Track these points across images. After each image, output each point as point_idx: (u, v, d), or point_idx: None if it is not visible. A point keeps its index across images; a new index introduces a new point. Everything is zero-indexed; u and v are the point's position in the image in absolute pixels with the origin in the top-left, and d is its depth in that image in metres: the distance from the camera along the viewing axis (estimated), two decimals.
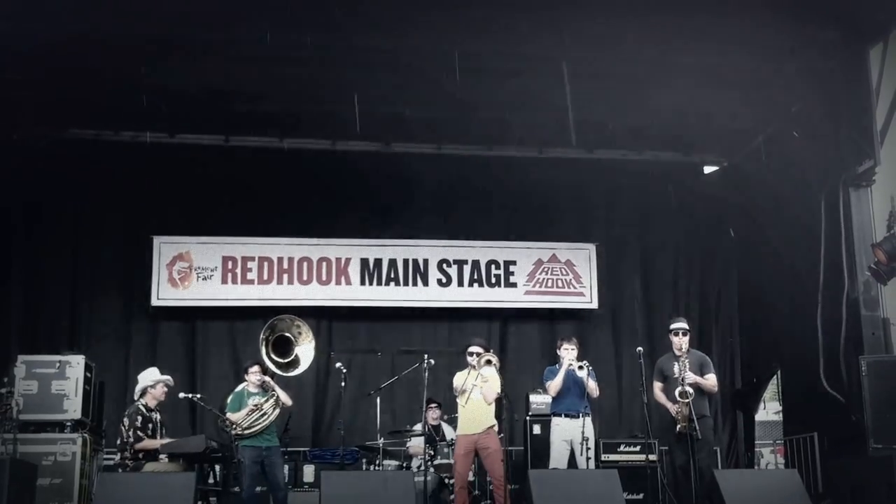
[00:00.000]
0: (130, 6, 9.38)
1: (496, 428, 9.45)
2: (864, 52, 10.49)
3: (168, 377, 9.77)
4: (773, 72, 11.01)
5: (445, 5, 9.68)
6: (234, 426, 9.58)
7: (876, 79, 10.32)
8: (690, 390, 9.11)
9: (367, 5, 9.71)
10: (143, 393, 9.56)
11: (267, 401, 9.78)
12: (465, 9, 9.71)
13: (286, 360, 10.03)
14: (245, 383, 10.00)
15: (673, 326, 9.67)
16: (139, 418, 9.30)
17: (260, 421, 9.70)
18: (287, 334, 10.07)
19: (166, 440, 9.42)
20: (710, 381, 9.49)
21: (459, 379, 9.60)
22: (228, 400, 10.00)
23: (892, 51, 10.14)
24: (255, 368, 9.92)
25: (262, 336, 10.01)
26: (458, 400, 9.63)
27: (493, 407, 9.45)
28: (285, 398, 9.90)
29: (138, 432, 9.22)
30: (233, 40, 10.08)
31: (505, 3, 9.68)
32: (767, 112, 12.19)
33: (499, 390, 9.36)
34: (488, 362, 9.41)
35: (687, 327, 9.66)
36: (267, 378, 9.87)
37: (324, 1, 9.60)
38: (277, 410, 9.85)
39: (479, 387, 9.45)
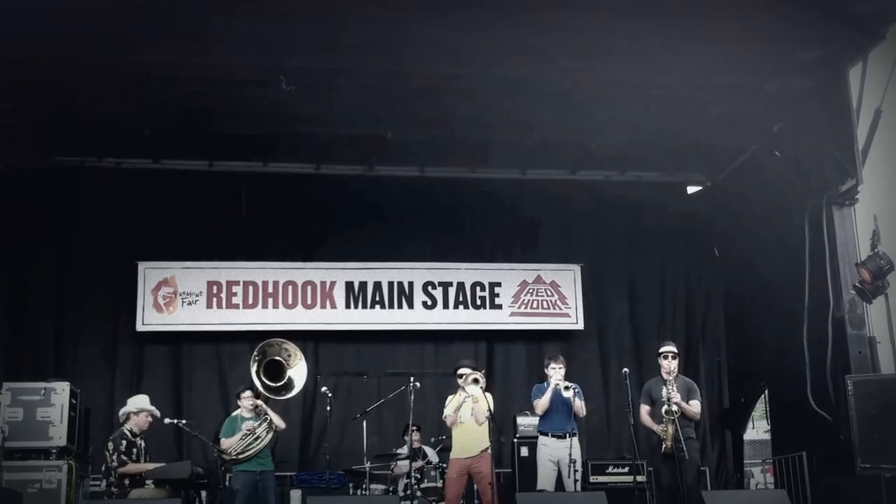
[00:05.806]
0: (111, 33, 9.37)
1: (489, 451, 9.36)
2: (843, 72, 10.54)
3: (154, 408, 9.68)
4: (754, 92, 11.09)
5: (427, 27, 9.71)
6: (227, 452, 9.54)
7: (856, 98, 10.36)
8: (676, 407, 9.06)
9: (350, 31, 9.73)
10: (127, 418, 9.50)
11: (260, 425, 9.73)
12: (445, 31, 9.75)
13: (279, 384, 9.95)
14: (239, 409, 9.98)
15: (662, 350, 9.56)
16: (123, 442, 9.22)
17: (254, 445, 9.64)
18: (277, 358, 9.99)
19: (151, 465, 9.33)
20: (695, 407, 9.37)
21: (451, 407, 9.50)
22: (223, 426, 9.96)
23: (871, 70, 10.21)
24: (248, 393, 9.88)
25: (252, 360, 9.96)
26: (451, 427, 9.56)
27: (485, 428, 9.31)
28: (278, 421, 9.86)
29: (122, 457, 9.13)
30: (215, 65, 10.09)
31: (486, 26, 9.71)
32: (749, 132, 12.28)
33: (487, 410, 9.28)
34: (475, 381, 9.32)
35: (676, 351, 9.55)
36: (259, 402, 9.82)
37: (305, 27, 9.63)
38: (271, 434, 9.79)
39: (469, 407, 9.38)
